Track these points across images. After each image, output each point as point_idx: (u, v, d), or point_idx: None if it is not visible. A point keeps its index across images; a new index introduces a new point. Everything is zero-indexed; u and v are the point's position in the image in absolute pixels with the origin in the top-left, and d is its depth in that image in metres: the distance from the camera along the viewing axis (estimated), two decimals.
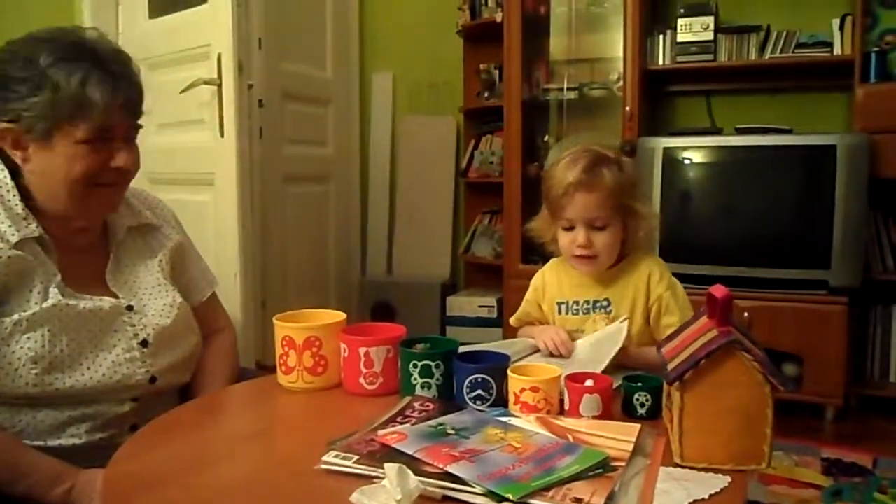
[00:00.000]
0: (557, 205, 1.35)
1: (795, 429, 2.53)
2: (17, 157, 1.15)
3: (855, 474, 2.20)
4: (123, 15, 2.97)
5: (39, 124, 1.11)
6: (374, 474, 0.82)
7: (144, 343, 1.22)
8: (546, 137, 3.41)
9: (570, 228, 1.35)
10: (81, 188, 1.16)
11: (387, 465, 0.78)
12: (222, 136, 2.41)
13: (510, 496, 0.76)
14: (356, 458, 0.86)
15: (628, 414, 1.05)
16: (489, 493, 0.77)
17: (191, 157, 2.52)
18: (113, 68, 1.16)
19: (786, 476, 2.16)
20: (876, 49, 2.80)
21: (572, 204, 1.33)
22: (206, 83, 2.43)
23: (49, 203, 1.17)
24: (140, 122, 1.24)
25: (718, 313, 0.90)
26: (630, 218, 1.35)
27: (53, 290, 1.13)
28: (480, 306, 3.45)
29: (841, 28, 2.82)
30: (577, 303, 1.40)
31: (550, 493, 0.77)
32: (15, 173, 1.17)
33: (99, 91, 1.12)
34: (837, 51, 2.84)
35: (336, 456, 0.87)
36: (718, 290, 0.91)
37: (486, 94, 3.59)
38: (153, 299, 1.28)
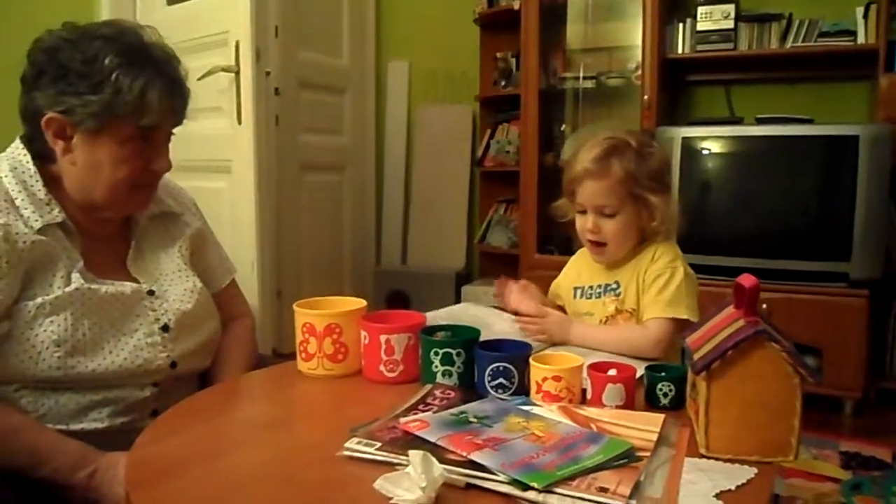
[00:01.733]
0: (571, 189, 1.40)
1: (814, 422, 2.50)
2: (57, 145, 1.15)
3: (874, 468, 2.18)
4: (141, 1, 2.97)
5: (91, 121, 1.12)
6: (396, 461, 0.82)
7: (165, 328, 1.22)
8: (563, 127, 3.39)
9: (583, 212, 1.39)
10: (123, 190, 1.18)
11: (411, 453, 0.77)
12: (240, 123, 2.42)
13: (535, 484, 0.75)
14: (378, 444, 0.86)
15: (651, 404, 1.04)
16: (514, 482, 0.76)
17: (208, 145, 2.52)
18: (172, 75, 1.19)
19: (804, 469, 2.14)
20: None
21: (582, 190, 1.37)
22: (223, 70, 2.43)
23: (82, 194, 1.18)
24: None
25: (746, 303, 0.89)
26: (643, 208, 1.36)
27: (76, 275, 1.14)
28: (495, 295, 3.44)
29: (865, 16, 2.78)
30: (591, 287, 1.44)
31: (575, 483, 0.76)
32: (37, 159, 1.17)
33: (157, 98, 1.15)
34: (861, 39, 2.79)
35: (358, 443, 0.87)
36: (747, 280, 0.89)
37: (502, 83, 3.57)
38: (174, 285, 1.28)
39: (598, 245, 1.38)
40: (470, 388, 1.08)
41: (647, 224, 1.37)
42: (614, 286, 1.40)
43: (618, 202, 1.34)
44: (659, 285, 1.33)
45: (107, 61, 1.11)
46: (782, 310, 2.64)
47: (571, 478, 0.77)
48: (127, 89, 1.12)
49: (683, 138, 2.83)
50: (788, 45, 2.92)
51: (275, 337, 2.67)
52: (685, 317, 1.30)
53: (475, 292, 3.50)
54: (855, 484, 2.06)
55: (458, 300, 3.53)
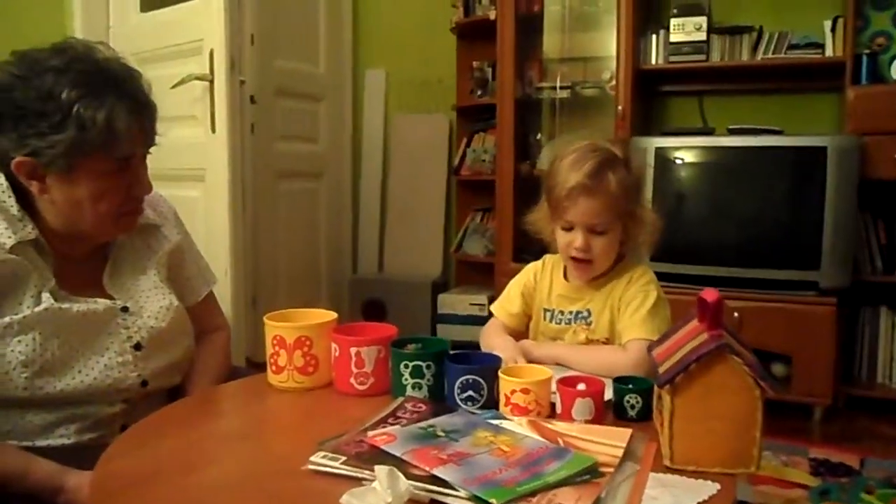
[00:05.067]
0: (559, 205, 1.31)
1: (784, 428, 2.54)
2: (33, 186, 1.11)
3: (842, 474, 2.22)
4: (115, 8, 2.94)
5: (61, 161, 1.08)
6: (360, 476, 0.82)
7: (138, 346, 1.21)
8: (539, 136, 3.41)
9: (570, 229, 1.32)
10: (108, 221, 1.16)
11: (377, 468, 0.78)
12: (214, 132, 2.40)
13: (494, 501, 0.75)
14: (344, 458, 0.86)
15: (619, 416, 1.05)
16: (474, 498, 0.76)
17: (182, 153, 2.50)
18: (134, 94, 1.14)
19: (774, 476, 2.17)
20: (867, 51, 2.81)
21: (574, 207, 1.29)
22: (197, 79, 2.41)
23: (66, 228, 1.16)
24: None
25: (709, 317, 0.90)
26: (631, 223, 1.32)
27: (46, 295, 1.12)
28: (472, 304, 3.45)
29: (832, 29, 2.83)
30: (561, 312, 1.40)
31: (535, 499, 0.77)
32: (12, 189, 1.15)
33: (125, 123, 1.10)
34: (829, 52, 2.84)
35: (324, 457, 0.87)
36: (709, 294, 0.91)
37: (479, 92, 3.58)
38: (150, 301, 1.26)
39: (584, 262, 1.33)
40: (440, 401, 1.09)
41: (634, 239, 1.34)
42: (585, 314, 1.36)
43: (611, 218, 1.29)
44: (633, 308, 1.31)
45: (64, 95, 1.06)
46: (753, 318, 2.68)
47: (532, 494, 0.78)
48: (91, 123, 1.07)
49: (657, 148, 2.86)
50: (759, 57, 2.96)
51: (249, 346, 2.66)
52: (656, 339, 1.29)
53: (452, 301, 3.51)
54: (823, 490, 2.09)
55: (434, 309, 3.54)
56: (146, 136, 1.18)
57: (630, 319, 1.31)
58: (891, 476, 2.18)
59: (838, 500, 2.04)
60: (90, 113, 1.07)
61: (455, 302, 3.50)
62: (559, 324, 1.39)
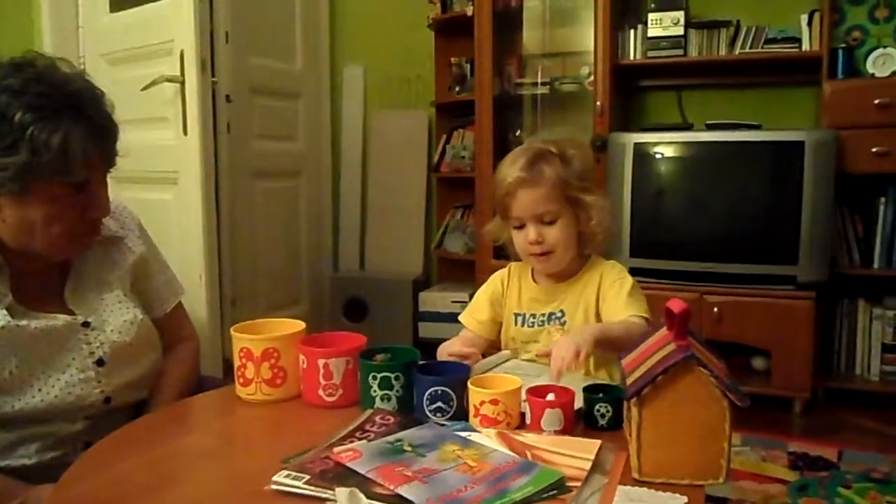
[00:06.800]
0: (504, 205, 1.35)
1: (764, 422, 2.55)
2: None
3: (821, 468, 2.23)
4: (84, 8, 2.88)
5: (11, 184, 1.05)
6: (323, 496, 0.81)
7: (100, 362, 1.18)
8: (518, 132, 3.39)
9: (521, 227, 1.35)
10: (62, 243, 1.13)
11: (338, 490, 0.76)
12: (186, 134, 2.36)
13: None
14: (307, 478, 0.84)
15: (590, 425, 1.04)
16: None
17: (154, 156, 2.46)
18: (93, 116, 1.10)
19: (753, 471, 2.18)
20: (843, 45, 2.82)
21: (517, 201, 1.32)
22: (168, 80, 2.37)
23: (18, 246, 1.13)
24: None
25: (676, 327, 0.89)
26: (580, 209, 1.34)
27: (2, 312, 1.09)
28: (453, 301, 3.43)
29: (809, 24, 2.83)
30: (533, 315, 1.40)
31: None
32: None
33: (80, 147, 1.07)
34: (806, 46, 2.84)
35: (287, 476, 0.85)
36: (676, 305, 0.90)
37: (457, 89, 3.56)
38: (113, 316, 1.24)
39: (544, 255, 1.34)
40: (409, 413, 1.07)
41: (585, 226, 1.35)
42: (559, 315, 1.37)
43: (556, 207, 1.32)
44: (614, 293, 1.33)
45: (17, 118, 1.02)
46: (732, 312, 2.69)
47: None
48: (44, 147, 1.03)
49: (636, 144, 2.85)
50: (737, 51, 2.96)
51: (228, 348, 2.63)
52: (646, 315, 1.29)
53: (433, 298, 3.49)
54: (801, 485, 2.10)
55: (415, 306, 3.53)
56: (104, 158, 1.14)
57: (616, 301, 1.32)
58: (868, 470, 2.19)
59: (816, 495, 2.05)
60: (44, 137, 1.03)
61: (436, 299, 3.49)
62: (531, 327, 1.39)
